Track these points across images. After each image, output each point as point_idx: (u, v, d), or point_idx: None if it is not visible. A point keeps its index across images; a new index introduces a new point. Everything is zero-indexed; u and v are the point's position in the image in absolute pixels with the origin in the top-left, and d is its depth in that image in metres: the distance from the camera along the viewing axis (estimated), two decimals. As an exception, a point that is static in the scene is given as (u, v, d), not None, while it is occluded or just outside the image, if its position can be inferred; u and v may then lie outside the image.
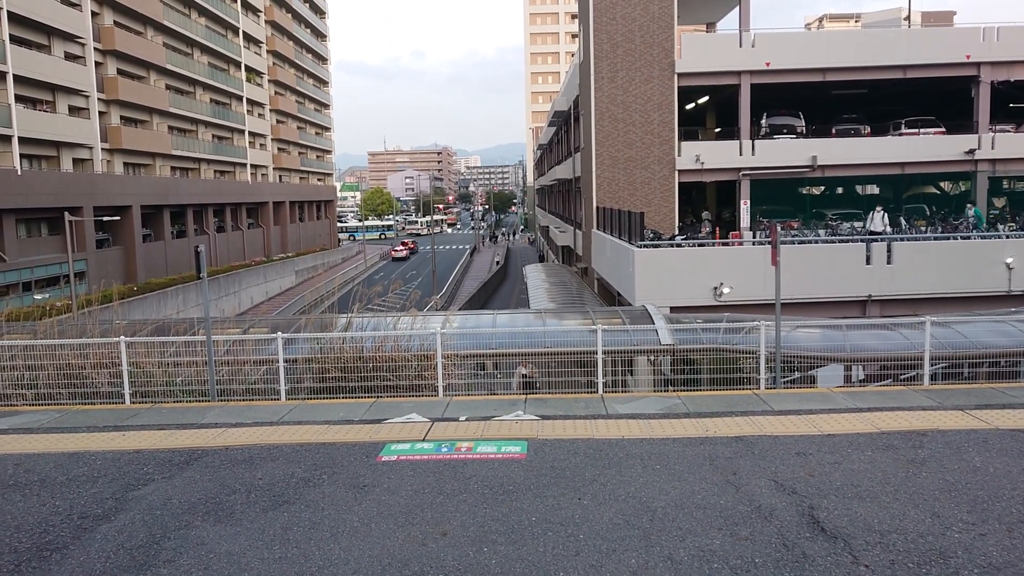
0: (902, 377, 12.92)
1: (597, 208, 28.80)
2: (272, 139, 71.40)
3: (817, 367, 14.85)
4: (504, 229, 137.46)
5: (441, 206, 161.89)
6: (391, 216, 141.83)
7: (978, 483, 6.95)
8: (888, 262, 21.51)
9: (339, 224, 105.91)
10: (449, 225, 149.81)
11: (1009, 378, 13.30)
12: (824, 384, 13.98)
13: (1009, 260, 21.52)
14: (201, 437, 9.20)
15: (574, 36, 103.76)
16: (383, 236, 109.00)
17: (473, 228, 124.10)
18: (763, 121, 29.31)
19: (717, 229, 29.23)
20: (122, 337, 11.62)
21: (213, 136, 58.71)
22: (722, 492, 6.91)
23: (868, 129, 29.83)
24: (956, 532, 5.99)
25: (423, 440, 8.75)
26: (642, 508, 6.62)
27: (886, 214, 25.29)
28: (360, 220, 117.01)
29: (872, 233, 23.85)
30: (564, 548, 5.92)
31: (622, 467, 7.64)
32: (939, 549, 5.70)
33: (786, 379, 12.88)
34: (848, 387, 12.92)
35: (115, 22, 44.96)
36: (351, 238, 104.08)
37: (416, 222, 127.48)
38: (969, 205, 26.30)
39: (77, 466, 8.24)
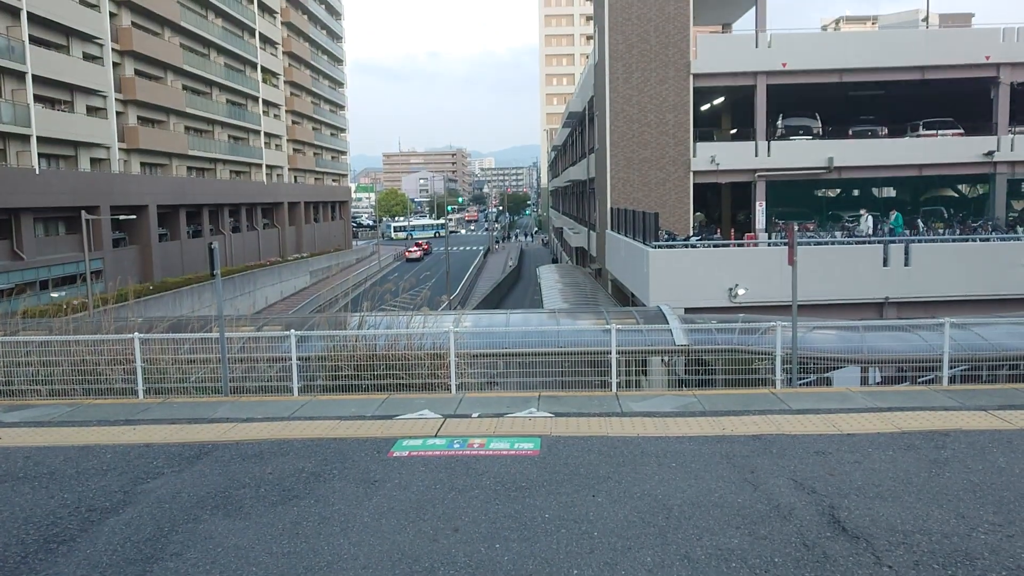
0: (920, 380, 12.71)
1: (611, 209, 28.66)
2: (288, 140, 71.62)
3: (834, 369, 14.66)
4: (518, 231, 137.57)
5: (471, 209, 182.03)
6: (405, 216, 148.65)
7: (1004, 484, 6.77)
8: (906, 264, 21.25)
9: (397, 223, 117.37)
10: (469, 221, 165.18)
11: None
12: (840, 386, 13.79)
13: (1029, 263, 21.21)
14: (212, 431, 9.15)
15: (589, 38, 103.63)
16: (437, 235, 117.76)
17: (487, 230, 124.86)
18: (779, 122, 29.09)
19: (719, 230, 29.05)
20: (136, 333, 11.61)
21: (229, 136, 58.94)
22: (740, 491, 6.77)
23: (885, 131, 29.56)
24: (982, 533, 5.82)
25: (435, 436, 8.65)
26: (658, 506, 6.49)
27: (870, 216, 25.24)
28: (405, 219, 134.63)
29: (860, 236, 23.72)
30: (578, 545, 5.80)
31: (637, 465, 7.51)
32: (965, 550, 5.54)
33: (802, 380, 12.71)
34: (867, 387, 12.72)
35: (133, 23, 45.21)
36: (409, 236, 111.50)
37: (451, 220, 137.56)
38: (869, 214, 25.79)
39: (87, 459, 8.20)
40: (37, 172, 35.07)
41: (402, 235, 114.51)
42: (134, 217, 41.41)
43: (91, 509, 6.79)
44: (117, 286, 26.13)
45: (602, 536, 5.94)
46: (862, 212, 25.56)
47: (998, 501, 6.41)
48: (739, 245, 24.16)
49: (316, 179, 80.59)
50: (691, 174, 27.81)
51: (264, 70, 65.26)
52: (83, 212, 33.91)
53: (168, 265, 46.10)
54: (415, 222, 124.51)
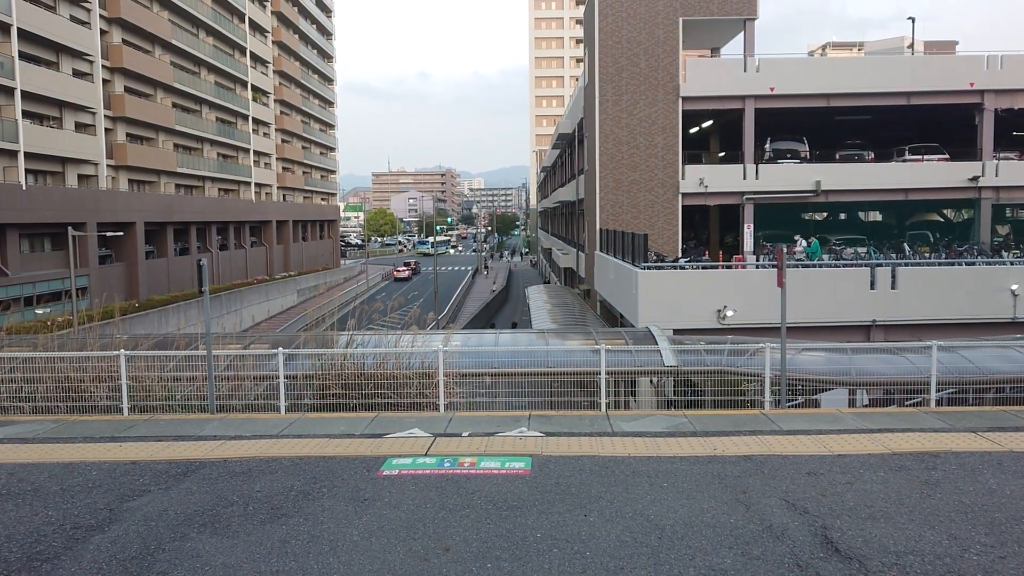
0: (908, 402, 12.75)
1: (600, 230, 28.75)
2: (277, 158, 71.56)
3: (822, 391, 14.69)
4: (506, 251, 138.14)
5: (461, 227, 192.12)
6: (399, 235, 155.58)
7: (995, 505, 6.78)
8: (892, 287, 21.41)
9: (431, 239, 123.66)
10: (462, 239, 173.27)
11: (1017, 404, 13.14)
12: (830, 407, 13.80)
13: (1014, 287, 21.42)
14: (199, 449, 9.04)
15: (579, 61, 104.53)
16: (447, 251, 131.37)
17: (475, 251, 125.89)
18: (767, 146, 29.32)
19: (707, 252, 29.16)
20: (122, 350, 11.50)
21: (218, 154, 58.84)
22: (732, 511, 6.75)
23: (872, 155, 29.84)
24: (974, 554, 5.82)
25: (425, 455, 8.59)
26: (650, 526, 6.45)
27: (803, 242, 25.45)
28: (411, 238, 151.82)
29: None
30: (570, 565, 5.75)
31: (629, 484, 7.48)
32: (957, 571, 5.53)
33: (790, 402, 12.72)
34: (856, 409, 12.75)
35: (123, 40, 45.21)
36: (441, 251, 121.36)
37: (450, 240, 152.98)
38: (803, 240, 25.90)
39: (72, 476, 8.08)
40: (24, 188, 34.86)
41: (429, 248, 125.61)
42: (121, 234, 41.18)
43: (76, 527, 6.68)
44: (103, 303, 25.94)
45: (594, 556, 5.90)
46: (796, 238, 25.83)
47: (990, 522, 6.41)
48: (727, 267, 24.27)
49: (305, 198, 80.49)
50: (680, 196, 27.95)
51: (254, 89, 65.33)
52: (70, 228, 33.70)
53: (154, 282, 45.79)
54: (432, 238, 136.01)
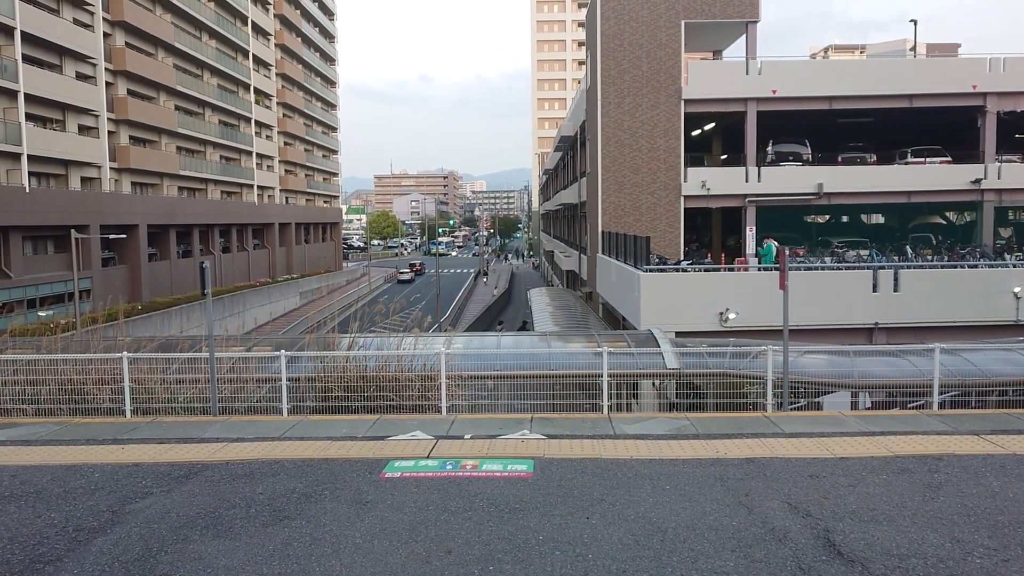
0: (910, 405, 12.73)
1: (602, 233, 28.75)
2: (279, 161, 71.64)
3: (824, 393, 14.66)
4: (509, 253, 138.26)
5: (465, 229, 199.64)
6: (399, 238, 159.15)
7: (998, 508, 6.77)
8: (895, 290, 21.38)
9: (441, 240, 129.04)
10: (466, 239, 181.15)
11: (1020, 406, 13.10)
12: (832, 410, 13.77)
13: (1017, 289, 21.39)
14: (201, 451, 9.05)
15: (581, 63, 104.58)
16: (451, 253, 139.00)
17: (475, 253, 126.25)
18: (769, 148, 29.31)
19: (709, 255, 29.11)
20: (124, 352, 11.52)
21: (221, 157, 58.92)
22: (735, 513, 6.74)
23: (874, 158, 29.81)
24: (977, 557, 5.81)
25: (427, 457, 8.59)
26: (653, 528, 6.45)
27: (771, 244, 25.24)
28: (395, 241, 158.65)
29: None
30: (572, 568, 5.75)
31: (631, 487, 7.48)
32: (960, 574, 5.52)
33: (793, 405, 12.70)
34: (859, 411, 12.73)
35: (126, 43, 45.29)
36: (447, 252, 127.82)
37: (455, 241, 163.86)
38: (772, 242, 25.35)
39: (74, 478, 8.09)
40: (27, 190, 34.94)
41: (445, 248, 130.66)
42: (124, 236, 41.22)
43: (79, 529, 6.69)
44: (106, 305, 25.98)
45: (596, 559, 5.90)
46: (766, 239, 25.68)
47: (992, 525, 6.40)
48: (730, 270, 24.25)
49: (307, 200, 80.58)
50: (682, 199, 27.95)
51: (257, 91, 65.41)
52: (72, 231, 33.76)
53: (157, 285, 45.86)
54: (445, 239, 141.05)
